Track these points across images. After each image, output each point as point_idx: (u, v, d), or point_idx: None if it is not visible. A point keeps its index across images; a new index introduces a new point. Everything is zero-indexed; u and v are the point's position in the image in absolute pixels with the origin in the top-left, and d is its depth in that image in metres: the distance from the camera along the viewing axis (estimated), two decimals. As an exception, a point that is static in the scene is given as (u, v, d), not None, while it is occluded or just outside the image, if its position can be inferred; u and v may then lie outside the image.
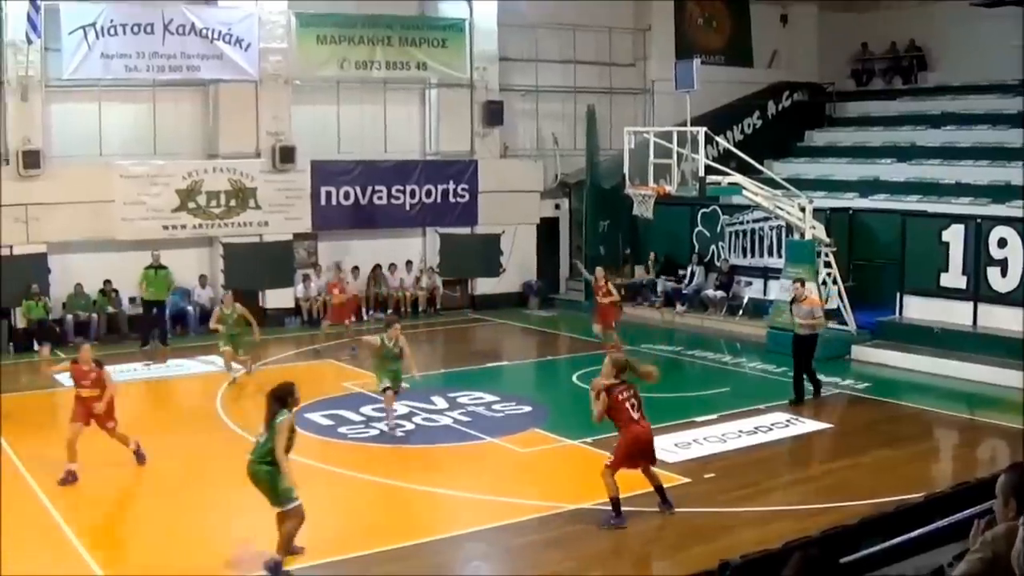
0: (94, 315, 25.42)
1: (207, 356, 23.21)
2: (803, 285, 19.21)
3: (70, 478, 14.25)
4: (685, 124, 23.28)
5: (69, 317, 25.14)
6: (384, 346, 16.83)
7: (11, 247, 24.52)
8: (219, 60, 26.29)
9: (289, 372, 21.92)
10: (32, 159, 24.46)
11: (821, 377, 19.21)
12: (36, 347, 24.02)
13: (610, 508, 12.52)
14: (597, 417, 12.68)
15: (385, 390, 16.74)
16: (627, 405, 12.58)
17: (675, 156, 22.75)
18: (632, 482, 13.14)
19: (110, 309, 25.70)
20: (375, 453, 15.90)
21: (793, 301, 19.10)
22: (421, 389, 18.85)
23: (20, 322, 24.66)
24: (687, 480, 14.17)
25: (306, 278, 27.81)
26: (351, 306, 25.09)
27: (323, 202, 27.86)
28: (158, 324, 24.92)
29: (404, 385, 17.25)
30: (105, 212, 25.21)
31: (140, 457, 15.11)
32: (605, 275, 22.93)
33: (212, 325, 21.81)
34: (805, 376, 18.63)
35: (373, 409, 18.00)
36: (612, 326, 22.57)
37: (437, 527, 12.80)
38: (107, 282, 25.67)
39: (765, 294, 26.00)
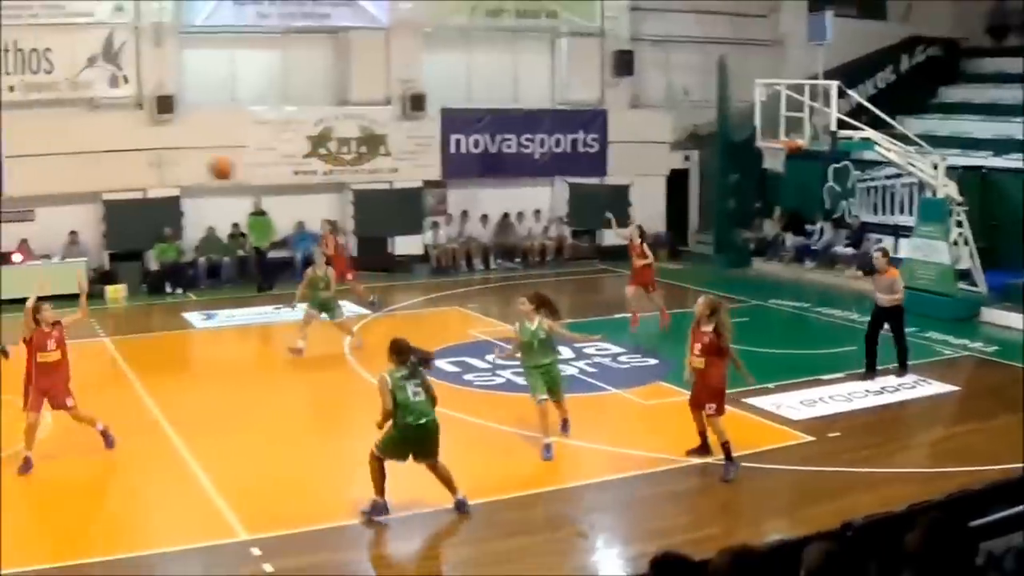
0: (225, 258, 26.16)
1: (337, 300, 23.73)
2: (885, 255, 18.04)
3: (26, 467, 12.98)
4: (817, 77, 23.03)
5: (201, 260, 25.94)
6: (526, 337, 13.83)
7: (145, 190, 25.40)
8: (350, 7, 26.78)
9: (416, 319, 22.53)
10: (165, 104, 25.20)
11: (948, 338, 18.92)
12: (168, 289, 24.88)
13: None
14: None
15: (541, 401, 13.63)
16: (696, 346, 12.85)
17: (807, 110, 22.54)
18: (749, 438, 13.30)
19: (240, 253, 26.37)
20: (500, 401, 16.07)
21: (874, 272, 18.05)
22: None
23: (153, 264, 25.55)
24: (811, 438, 14.14)
25: (435, 225, 28.23)
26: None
27: (452, 150, 28.21)
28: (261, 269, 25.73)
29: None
30: (237, 157, 25.86)
31: (107, 439, 13.76)
32: (641, 233, 21.72)
33: (301, 291, 19.81)
34: (895, 347, 17.49)
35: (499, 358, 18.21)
36: (648, 290, 21.25)
37: (559, 477, 12.99)
38: (235, 226, 26.35)
39: (895, 252, 25.64)
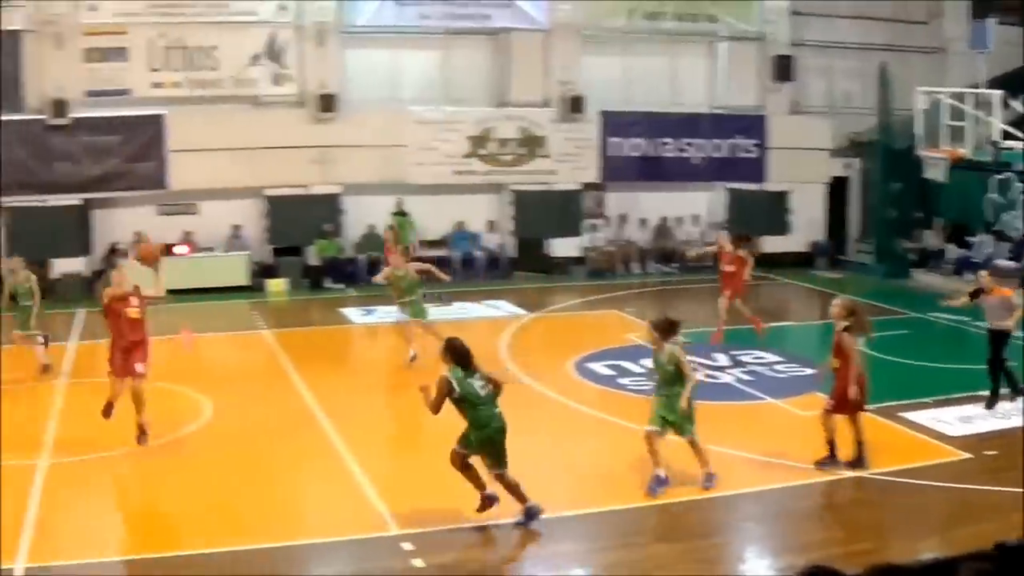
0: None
1: (492, 300, 23.71)
2: (992, 275, 16.47)
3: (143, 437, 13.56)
4: (979, 86, 22.34)
5: (361, 257, 25.95)
6: (655, 366, 12.39)
7: (306, 187, 25.63)
8: (510, 9, 26.82)
9: (572, 321, 22.33)
10: (328, 103, 25.50)
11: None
12: (328, 284, 24.92)
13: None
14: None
15: (649, 432, 12.20)
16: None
17: (969, 119, 21.82)
18: (904, 453, 12.91)
19: (395, 251, 26.31)
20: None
21: (979, 293, 16.11)
22: (703, 346, 18.59)
23: (313, 260, 25.68)
24: (968, 456, 13.50)
25: (593, 228, 27.94)
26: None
27: (611, 153, 27.91)
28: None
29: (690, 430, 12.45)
30: (398, 156, 26.05)
31: (143, 436, 13.64)
32: (738, 239, 20.83)
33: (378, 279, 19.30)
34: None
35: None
36: (732, 299, 19.92)
37: (710, 485, 12.70)
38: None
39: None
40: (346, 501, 11.86)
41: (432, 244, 26.40)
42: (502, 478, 11.00)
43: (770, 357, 18.70)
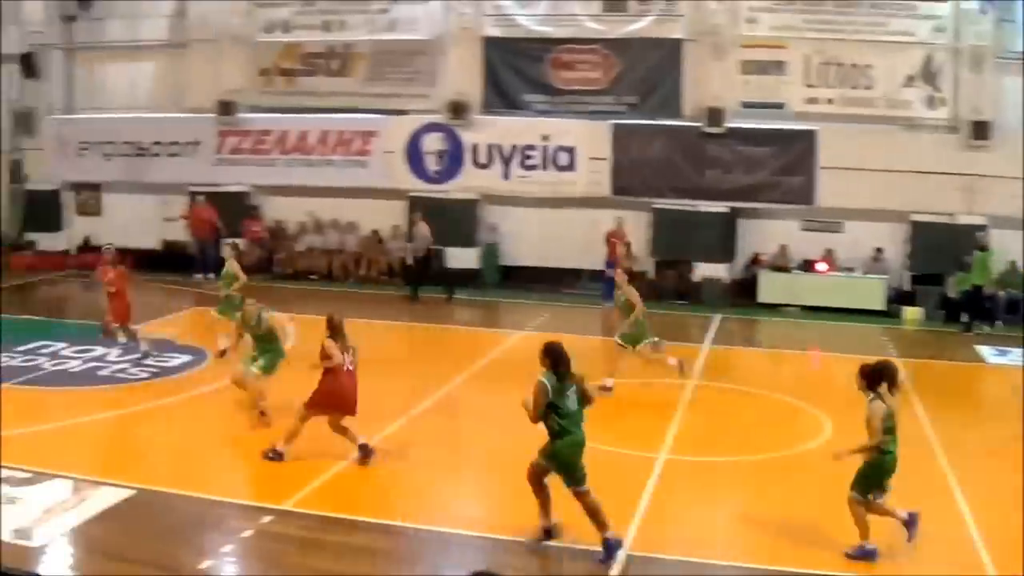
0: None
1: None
2: None
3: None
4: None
5: (1001, 293, 24.91)
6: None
7: (952, 215, 25.09)
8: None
9: None
10: (981, 130, 24.78)
11: None
12: (963, 319, 24.14)
13: None
14: None
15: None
16: None
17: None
18: None
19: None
20: None
21: None
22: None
23: (951, 292, 25.05)
24: None
25: None
26: None
27: None
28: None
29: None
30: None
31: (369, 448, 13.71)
32: None
33: None
34: None
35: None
36: None
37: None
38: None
39: None
40: (946, 539, 11.53)
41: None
42: (582, 497, 10.75)
43: None
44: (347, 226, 29.05)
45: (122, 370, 18.23)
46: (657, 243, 26.72)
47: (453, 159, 27.78)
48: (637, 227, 26.63)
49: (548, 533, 11.17)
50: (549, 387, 10.63)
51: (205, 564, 10.63)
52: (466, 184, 27.77)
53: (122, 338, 19.04)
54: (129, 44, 30.35)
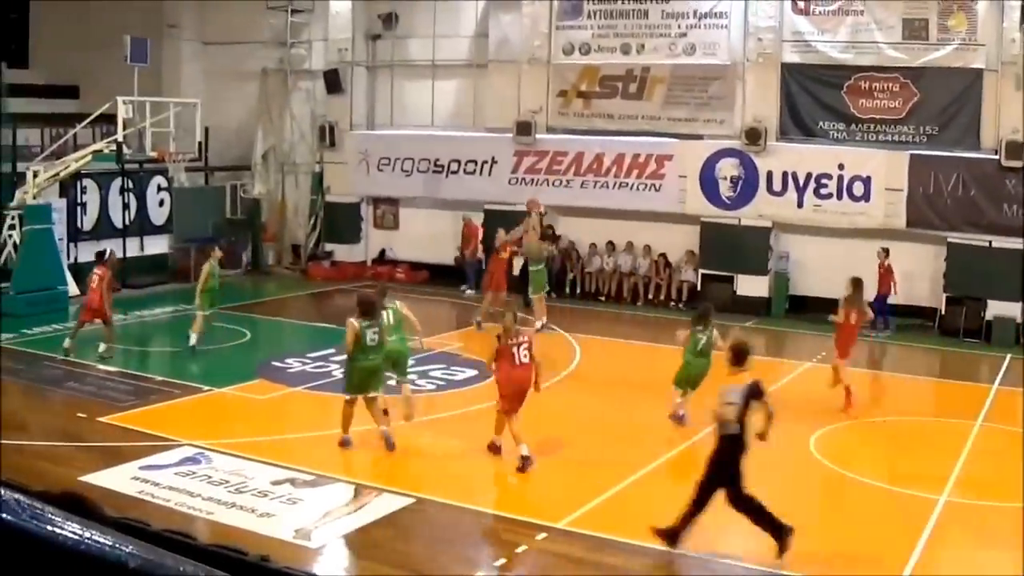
0: None
1: None
2: None
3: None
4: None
5: None
6: None
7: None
8: None
9: None
10: None
11: None
12: None
13: None
14: None
15: None
16: None
17: None
18: None
19: None
20: None
21: None
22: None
23: None
24: None
25: None
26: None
27: None
28: None
29: None
30: None
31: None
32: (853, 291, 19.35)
33: None
34: None
35: None
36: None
37: None
38: None
39: None
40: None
41: None
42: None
43: None
44: (643, 249, 30.22)
45: (410, 381, 19.59)
46: (950, 278, 27.17)
47: (747, 185, 28.91)
48: (931, 261, 27.32)
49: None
50: (358, 326, 14.76)
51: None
52: (758, 211, 28.82)
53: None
54: (430, 63, 32.52)
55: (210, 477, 13.72)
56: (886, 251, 26.75)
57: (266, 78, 34.31)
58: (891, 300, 26.83)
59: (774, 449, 16.24)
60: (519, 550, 11.91)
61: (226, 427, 15.49)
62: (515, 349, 14.69)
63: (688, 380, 16.96)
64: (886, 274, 26.54)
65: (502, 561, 11.71)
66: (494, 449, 15.11)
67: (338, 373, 19.19)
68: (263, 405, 17.72)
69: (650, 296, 29.58)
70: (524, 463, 14.48)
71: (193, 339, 21.29)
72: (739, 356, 11.97)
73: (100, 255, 21.74)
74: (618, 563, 11.78)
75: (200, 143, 29.25)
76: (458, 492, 13.63)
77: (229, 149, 33.88)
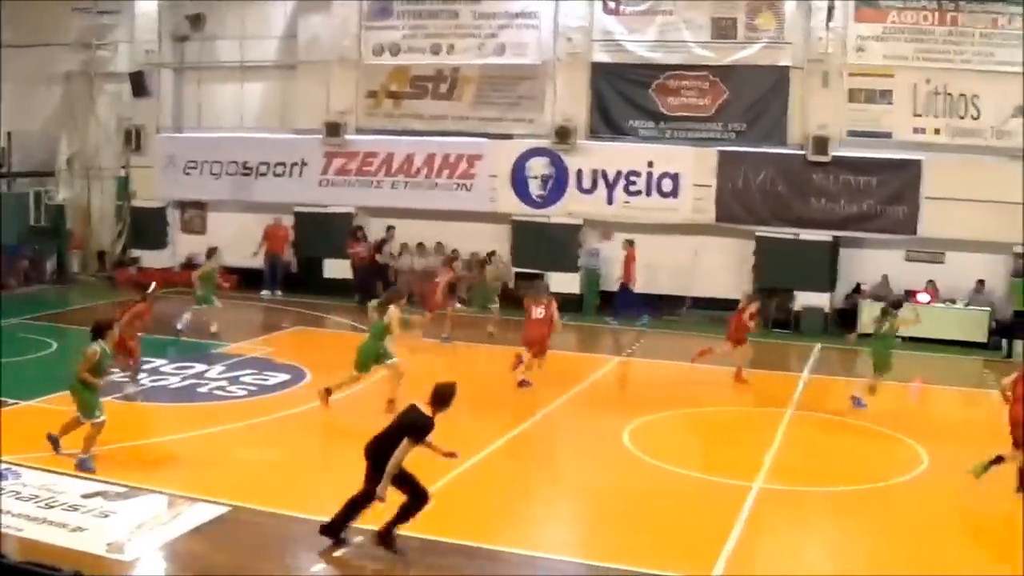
0: None
1: None
2: None
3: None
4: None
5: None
6: None
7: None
8: None
9: None
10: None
11: None
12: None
13: None
14: None
15: None
16: None
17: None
18: None
19: None
20: None
21: None
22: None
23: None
24: None
25: None
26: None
27: None
28: None
29: None
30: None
31: None
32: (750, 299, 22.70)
33: None
34: None
35: None
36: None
37: None
38: None
39: None
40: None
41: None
42: None
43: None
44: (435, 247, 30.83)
45: (221, 387, 19.91)
46: (759, 271, 28.44)
47: (557, 184, 29.85)
48: (740, 255, 28.64)
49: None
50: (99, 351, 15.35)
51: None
52: (568, 209, 29.81)
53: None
54: (239, 65, 32.76)
55: (18, 493, 13.53)
56: (631, 242, 28.49)
57: (70, 81, 34.23)
58: (696, 293, 28.52)
59: (588, 443, 17.45)
60: (337, 554, 12.13)
61: (33, 441, 15.38)
62: (533, 307, 20.79)
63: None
64: (630, 264, 28.28)
65: (320, 566, 11.87)
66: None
67: (147, 382, 19.86)
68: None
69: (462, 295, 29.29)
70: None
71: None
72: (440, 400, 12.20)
73: None
74: (442, 563, 12.16)
75: (2, 148, 28.99)
76: (273, 498, 13.76)
77: (32, 154, 33.62)
